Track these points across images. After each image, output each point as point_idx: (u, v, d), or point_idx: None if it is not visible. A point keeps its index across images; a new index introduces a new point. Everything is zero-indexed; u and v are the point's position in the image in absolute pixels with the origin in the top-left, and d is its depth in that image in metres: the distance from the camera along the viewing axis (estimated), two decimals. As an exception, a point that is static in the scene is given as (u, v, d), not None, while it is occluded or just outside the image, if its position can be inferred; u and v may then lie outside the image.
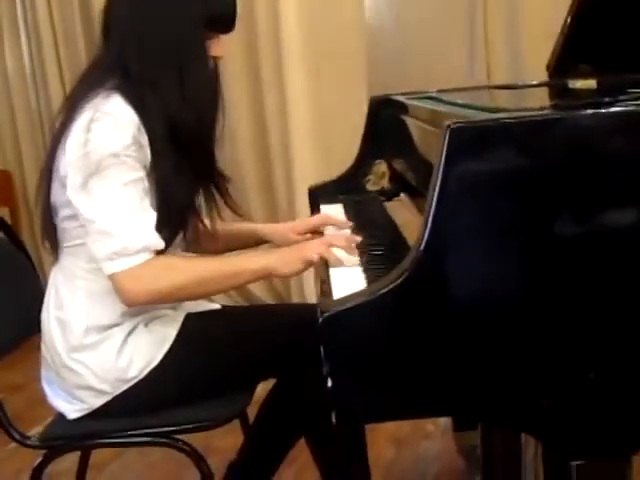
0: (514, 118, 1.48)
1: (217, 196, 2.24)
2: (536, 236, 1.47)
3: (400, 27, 4.54)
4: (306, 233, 2.41)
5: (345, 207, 2.66)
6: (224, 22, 2.12)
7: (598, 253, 1.48)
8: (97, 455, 2.94)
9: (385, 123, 2.76)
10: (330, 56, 4.39)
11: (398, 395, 1.51)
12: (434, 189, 1.45)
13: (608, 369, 1.52)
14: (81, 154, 1.95)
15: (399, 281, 1.45)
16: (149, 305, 2.10)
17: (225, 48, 2.14)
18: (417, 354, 1.48)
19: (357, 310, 1.47)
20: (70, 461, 2.50)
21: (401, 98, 2.60)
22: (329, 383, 1.50)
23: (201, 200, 2.20)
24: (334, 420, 1.52)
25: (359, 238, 2.07)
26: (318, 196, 2.83)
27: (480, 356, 1.49)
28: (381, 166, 2.77)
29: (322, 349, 1.49)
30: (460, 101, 2.13)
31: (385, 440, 3.28)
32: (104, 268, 1.97)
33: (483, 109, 1.84)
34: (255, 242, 2.49)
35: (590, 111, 1.48)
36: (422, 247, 1.46)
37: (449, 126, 1.44)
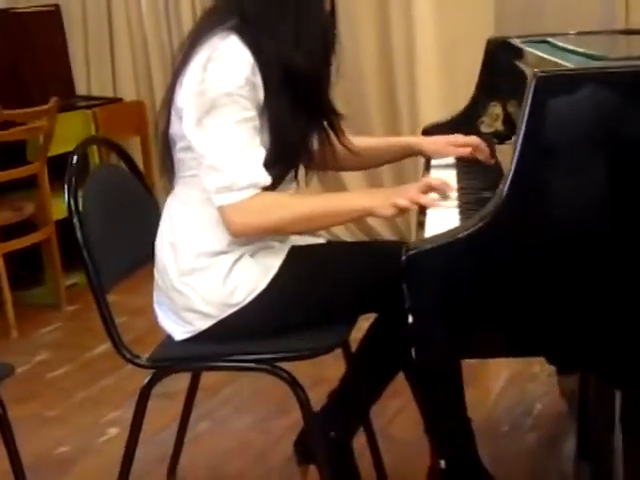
0: (600, 68, 1.49)
1: (331, 133, 2.31)
2: (622, 187, 1.49)
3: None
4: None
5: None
6: None
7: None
8: (211, 379, 3.10)
9: (501, 65, 2.74)
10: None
11: (473, 334, 1.56)
12: (519, 137, 1.48)
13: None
14: (197, 91, 2.06)
15: (479, 225, 1.49)
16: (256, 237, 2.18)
17: None
18: (493, 295, 1.52)
19: (436, 251, 1.53)
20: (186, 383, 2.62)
21: (516, 41, 2.59)
22: (410, 319, 1.56)
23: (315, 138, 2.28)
24: (414, 356, 1.58)
25: (453, 189, 2.12)
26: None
27: (551, 298, 1.53)
28: (496, 108, 2.76)
29: (405, 286, 1.55)
30: (571, 47, 2.12)
31: (493, 378, 3.34)
32: (214, 200, 2.08)
33: (591, 57, 1.84)
34: (404, 156, 2.60)
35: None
36: (504, 195, 1.49)
37: (536, 74, 1.46)
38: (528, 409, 3.12)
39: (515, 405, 3.16)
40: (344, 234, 4.80)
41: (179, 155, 2.20)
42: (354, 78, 4.63)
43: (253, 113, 2.08)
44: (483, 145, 2.47)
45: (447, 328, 1.55)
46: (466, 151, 2.44)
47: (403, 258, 1.56)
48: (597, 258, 1.51)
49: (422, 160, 2.69)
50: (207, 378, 2.79)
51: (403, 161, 2.76)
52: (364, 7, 4.60)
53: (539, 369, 3.32)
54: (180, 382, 2.61)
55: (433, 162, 2.58)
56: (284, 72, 2.10)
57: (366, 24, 4.63)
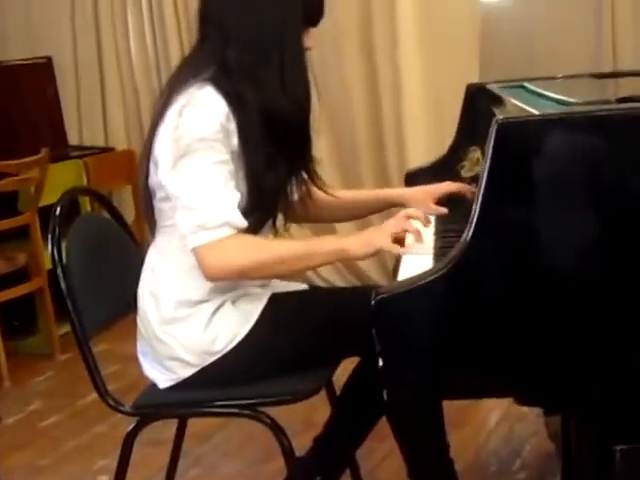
0: (561, 114, 1.53)
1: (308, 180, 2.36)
2: (584, 230, 1.52)
3: (526, 6, 4.60)
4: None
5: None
6: (318, 15, 2.21)
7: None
8: (201, 425, 3.11)
9: (480, 110, 2.79)
10: (443, 38, 4.43)
11: (442, 376, 1.58)
12: (482, 183, 1.51)
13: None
14: (172, 137, 2.10)
15: (444, 270, 1.52)
16: (235, 282, 2.20)
17: (314, 39, 2.23)
18: (459, 338, 1.55)
19: (404, 295, 1.55)
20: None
21: (493, 87, 2.64)
22: (380, 362, 1.58)
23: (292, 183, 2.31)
24: (385, 398, 1.60)
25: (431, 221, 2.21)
26: (414, 181, 2.90)
27: (519, 341, 1.55)
28: (476, 153, 2.79)
29: (374, 330, 1.58)
30: (544, 92, 2.16)
31: (482, 418, 3.35)
32: (188, 242, 2.08)
33: (561, 102, 1.88)
34: (386, 208, 2.61)
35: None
36: (468, 240, 1.52)
37: (497, 120, 1.50)
38: (516, 450, 3.13)
39: (503, 445, 3.17)
40: (335, 278, 4.82)
41: (159, 205, 2.23)
42: (343, 126, 4.68)
43: (228, 157, 2.10)
44: (464, 186, 2.51)
45: (416, 371, 1.58)
46: (444, 212, 2.45)
47: (372, 303, 1.58)
48: (557, 299, 1.54)
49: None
50: (196, 424, 2.81)
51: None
52: (351, 54, 4.63)
53: (527, 409, 3.32)
54: (170, 429, 2.61)
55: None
56: (267, 119, 2.12)
57: (354, 72, 4.66)
